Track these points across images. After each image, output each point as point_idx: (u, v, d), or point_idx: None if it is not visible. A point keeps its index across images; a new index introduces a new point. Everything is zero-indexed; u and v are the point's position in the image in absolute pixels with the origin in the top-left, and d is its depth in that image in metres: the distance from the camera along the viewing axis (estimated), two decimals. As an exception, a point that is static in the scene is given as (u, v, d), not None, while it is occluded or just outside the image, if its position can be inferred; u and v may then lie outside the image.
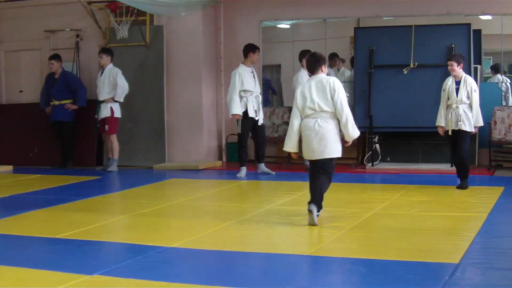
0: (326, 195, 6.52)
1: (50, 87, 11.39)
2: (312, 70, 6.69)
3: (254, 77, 9.84)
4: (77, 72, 11.90)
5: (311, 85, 6.59)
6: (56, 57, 11.38)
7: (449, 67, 8.47)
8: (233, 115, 9.69)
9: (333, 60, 11.40)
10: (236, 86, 9.65)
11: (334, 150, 6.49)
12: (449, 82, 8.48)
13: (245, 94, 9.69)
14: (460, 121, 8.33)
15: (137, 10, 11.02)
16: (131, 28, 11.33)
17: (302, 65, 10.02)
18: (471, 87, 8.35)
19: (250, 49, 9.88)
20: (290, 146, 6.66)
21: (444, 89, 8.54)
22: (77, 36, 11.99)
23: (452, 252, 5.24)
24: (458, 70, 8.41)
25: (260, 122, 9.91)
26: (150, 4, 10.32)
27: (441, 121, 8.53)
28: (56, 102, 11.27)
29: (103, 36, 11.61)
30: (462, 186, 8.36)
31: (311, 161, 6.60)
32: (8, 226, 6.66)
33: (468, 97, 8.36)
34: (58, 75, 11.39)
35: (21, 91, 12.48)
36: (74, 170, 11.06)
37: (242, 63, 9.87)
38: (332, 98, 6.45)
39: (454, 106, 8.41)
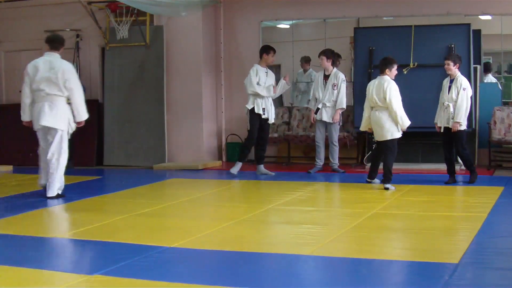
0: (326, 195, 6.53)
1: None
2: (380, 70, 8.57)
3: (267, 76, 9.80)
4: (77, 72, 11.88)
5: (375, 84, 8.55)
6: None
7: (445, 66, 8.64)
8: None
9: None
10: (253, 79, 9.64)
11: (389, 134, 8.43)
12: (445, 81, 8.74)
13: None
14: (452, 119, 8.55)
15: (137, 10, 11.03)
16: (131, 28, 11.34)
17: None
18: (460, 85, 8.46)
19: (263, 50, 9.90)
20: (362, 127, 8.88)
21: (442, 89, 8.78)
22: (77, 36, 12.00)
23: (452, 252, 5.23)
24: (454, 69, 8.57)
25: (271, 121, 9.87)
26: (150, 4, 10.32)
27: (436, 119, 8.85)
28: None
29: (103, 36, 11.61)
30: (472, 180, 8.68)
31: (377, 142, 8.71)
32: (8, 226, 6.66)
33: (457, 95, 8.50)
34: None
35: (21, 91, 12.45)
36: (74, 170, 11.05)
37: (257, 63, 9.88)
38: (385, 98, 8.33)
39: (445, 104, 8.61)
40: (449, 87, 8.61)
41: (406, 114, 8.55)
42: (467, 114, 8.58)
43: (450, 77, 8.63)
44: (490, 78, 10.86)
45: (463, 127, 8.57)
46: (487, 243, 5.59)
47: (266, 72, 9.83)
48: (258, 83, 9.69)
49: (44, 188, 8.19)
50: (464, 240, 5.60)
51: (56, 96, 8.01)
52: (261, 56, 9.88)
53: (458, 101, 8.48)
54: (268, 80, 9.80)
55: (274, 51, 9.91)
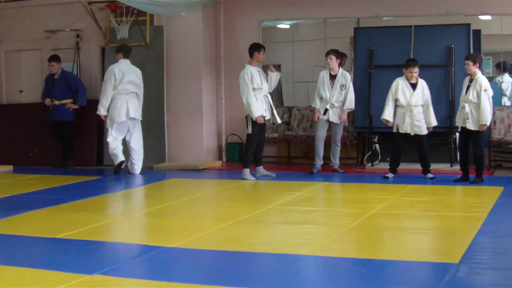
0: (326, 195, 7.02)
1: (50, 88, 11.38)
2: None
3: (261, 75, 9.66)
4: (78, 72, 11.91)
5: None
6: (55, 58, 11.37)
7: (465, 66, 8.70)
8: (257, 117, 9.42)
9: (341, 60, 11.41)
10: (249, 86, 9.42)
11: None
12: (465, 80, 8.80)
13: (255, 92, 9.48)
14: (467, 119, 8.53)
15: (137, 10, 11.03)
16: (131, 28, 11.34)
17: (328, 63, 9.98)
18: (480, 86, 8.48)
19: (255, 48, 9.69)
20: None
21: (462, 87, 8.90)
22: (77, 36, 12.01)
23: (452, 252, 5.23)
24: (474, 69, 8.58)
25: (279, 121, 9.87)
26: (150, 4, 10.32)
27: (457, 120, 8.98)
28: (57, 102, 11.27)
29: (103, 36, 11.62)
30: (475, 181, 8.68)
31: None
32: (8, 226, 6.66)
33: (477, 97, 8.55)
34: (58, 75, 11.39)
35: (21, 91, 12.48)
36: (74, 170, 11.06)
37: (248, 63, 9.70)
38: None
39: (462, 104, 8.66)
40: (468, 87, 8.63)
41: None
42: (491, 114, 8.64)
43: (471, 77, 8.65)
44: (508, 79, 10.79)
45: (477, 128, 8.59)
46: (487, 243, 5.59)
47: (259, 71, 9.67)
48: (255, 88, 9.46)
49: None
50: (464, 240, 5.60)
51: (135, 93, 10.28)
52: (251, 55, 9.69)
53: (481, 104, 8.48)
54: (263, 80, 9.66)
55: (265, 49, 9.79)
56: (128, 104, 10.19)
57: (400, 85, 9.18)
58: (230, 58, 11.69)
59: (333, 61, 9.87)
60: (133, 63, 11.49)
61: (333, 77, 9.91)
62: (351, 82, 9.96)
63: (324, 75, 9.97)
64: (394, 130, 9.25)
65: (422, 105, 9.24)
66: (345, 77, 9.90)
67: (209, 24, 11.61)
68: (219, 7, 11.66)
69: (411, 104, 9.14)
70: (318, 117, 9.97)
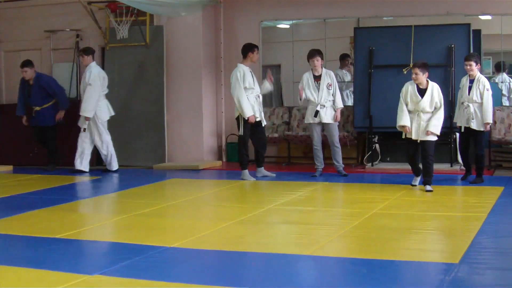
0: (325, 195, 7.18)
1: (26, 95, 11.12)
2: None
3: (253, 76, 9.65)
4: (77, 72, 11.91)
5: None
6: (28, 63, 11.01)
7: (467, 67, 8.59)
8: (249, 117, 9.38)
9: (345, 60, 11.41)
10: (241, 84, 9.39)
11: None
12: (464, 81, 8.75)
13: (246, 92, 9.47)
14: (472, 119, 8.56)
15: (137, 10, 11.03)
16: (131, 28, 11.34)
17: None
18: (484, 86, 8.51)
19: (249, 49, 9.65)
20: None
21: (460, 88, 8.82)
22: (77, 36, 12.01)
23: (452, 252, 5.24)
24: (476, 69, 8.58)
25: (264, 123, 9.76)
26: (150, 4, 10.32)
27: (455, 118, 8.94)
28: (38, 108, 11.08)
29: (103, 36, 11.61)
30: (476, 181, 8.65)
31: None
32: (8, 226, 6.66)
33: (480, 97, 8.54)
34: (33, 81, 11.16)
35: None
36: (74, 170, 11.04)
37: (240, 63, 9.67)
38: None
39: (465, 104, 8.64)
40: (469, 87, 8.60)
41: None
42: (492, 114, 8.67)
43: (470, 77, 8.61)
44: (504, 78, 10.77)
45: (482, 128, 8.60)
46: (487, 243, 5.60)
47: (251, 72, 9.62)
48: (246, 87, 9.43)
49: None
50: (464, 240, 5.60)
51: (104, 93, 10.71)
52: (245, 55, 9.62)
53: (484, 103, 8.48)
54: (255, 80, 9.61)
55: (258, 48, 9.77)
56: (107, 104, 10.67)
57: (409, 90, 8.43)
58: (230, 58, 11.68)
59: (320, 62, 9.72)
60: (133, 63, 11.56)
61: (317, 78, 9.77)
62: (336, 79, 9.92)
63: (308, 77, 9.80)
64: (403, 136, 8.57)
65: (432, 112, 8.45)
66: (330, 75, 9.77)
67: (209, 24, 11.61)
68: (219, 7, 11.67)
69: (418, 110, 8.39)
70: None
